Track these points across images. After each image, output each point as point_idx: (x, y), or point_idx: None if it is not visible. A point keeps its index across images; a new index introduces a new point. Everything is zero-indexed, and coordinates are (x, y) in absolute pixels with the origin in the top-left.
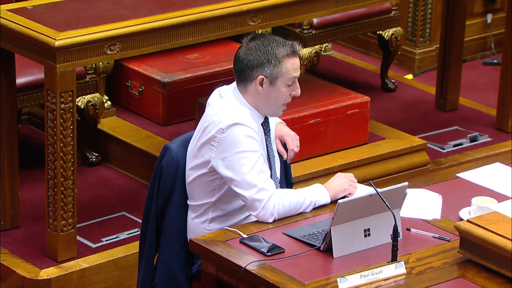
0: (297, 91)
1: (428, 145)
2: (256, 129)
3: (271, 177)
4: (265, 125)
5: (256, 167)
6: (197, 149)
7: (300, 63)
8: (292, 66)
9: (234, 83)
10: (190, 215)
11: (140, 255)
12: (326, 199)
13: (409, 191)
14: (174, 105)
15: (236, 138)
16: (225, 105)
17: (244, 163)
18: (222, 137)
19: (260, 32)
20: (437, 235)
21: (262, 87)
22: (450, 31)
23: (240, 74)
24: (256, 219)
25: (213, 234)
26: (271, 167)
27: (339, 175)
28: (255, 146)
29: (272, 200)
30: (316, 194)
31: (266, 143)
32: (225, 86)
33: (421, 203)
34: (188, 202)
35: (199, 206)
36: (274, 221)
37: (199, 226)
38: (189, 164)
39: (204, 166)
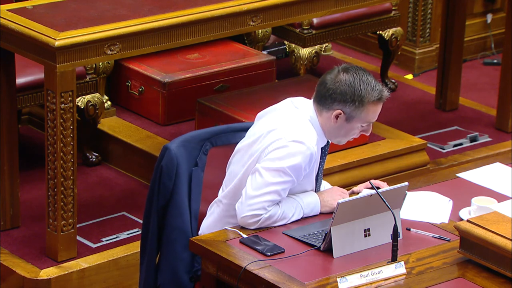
0: (368, 132)
1: (428, 145)
2: (315, 154)
3: None
4: (325, 149)
5: (275, 187)
6: (252, 151)
7: (301, 63)
8: (373, 112)
9: (311, 100)
10: (218, 211)
11: (142, 256)
12: (315, 212)
13: (419, 194)
14: (174, 105)
15: (287, 154)
16: (298, 120)
17: (272, 174)
18: (277, 145)
19: (353, 66)
20: (437, 235)
21: (336, 119)
22: (450, 31)
23: (321, 99)
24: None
25: (213, 234)
26: (317, 189)
27: (335, 189)
28: (294, 173)
29: (259, 216)
30: (306, 206)
31: (320, 167)
32: (299, 98)
33: (431, 207)
34: (222, 199)
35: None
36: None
37: (225, 224)
38: (237, 162)
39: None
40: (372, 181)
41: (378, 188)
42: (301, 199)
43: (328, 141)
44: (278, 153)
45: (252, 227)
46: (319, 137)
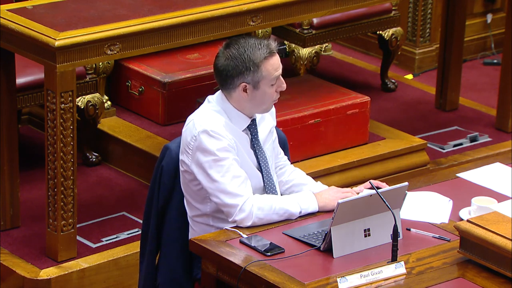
0: (283, 86)
1: (428, 145)
2: (228, 136)
3: (263, 180)
4: (252, 127)
5: (229, 174)
6: (181, 155)
7: (301, 63)
8: (272, 67)
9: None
10: (192, 226)
11: (142, 255)
12: (314, 207)
13: (419, 194)
14: (174, 105)
15: (205, 146)
16: (203, 112)
17: (216, 170)
18: (195, 144)
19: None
20: (437, 235)
21: (246, 93)
22: (450, 31)
23: (222, 83)
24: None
25: (213, 234)
26: (262, 171)
27: (333, 188)
28: (225, 153)
29: (248, 204)
30: (303, 202)
31: (255, 147)
32: (216, 93)
33: (431, 207)
34: (188, 214)
35: (199, 216)
36: (254, 225)
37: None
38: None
39: (186, 173)
40: (372, 181)
41: (378, 188)
42: (296, 195)
43: (253, 120)
44: (200, 152)
45: (249, 223)
46: (237, 120)
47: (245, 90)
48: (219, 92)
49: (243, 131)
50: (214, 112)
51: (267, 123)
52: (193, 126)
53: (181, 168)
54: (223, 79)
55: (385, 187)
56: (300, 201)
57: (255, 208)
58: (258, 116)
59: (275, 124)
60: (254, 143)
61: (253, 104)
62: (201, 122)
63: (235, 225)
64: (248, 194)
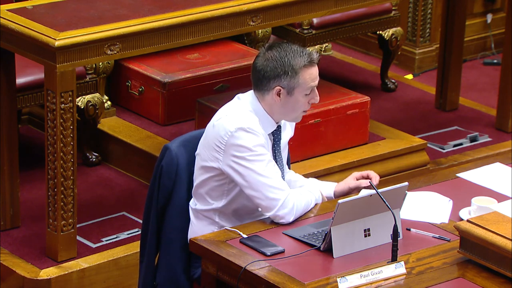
0: (316, 99)
1: (428, 145)
2: (263, 135)
3: None
4: (276, 133)
5: (270, 168)
6: (205, 150)
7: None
8: (309, 77)
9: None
10: (195, 219)
11: (141, 255)
12: (320, 197)
13: (419, 194)
14: (174, 105)
15: (244, 143)
16: (236, 109)
17: (256, 165)
18: (230, 140)
19: (278, 41)
20: (437, 235)
21: (279, 97)
22: (450, 31)
23: (257, 84)
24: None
25: (213, 234)
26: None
27: (353, 175)
28: (263, 149)
29: (290, 199)
30: (314, 191)
31: (275, 152)
32: (247, 92)
33: (431, 207)
34: (192, 206)
35: (206, 211)
36: (293, 220)
37: (208, 229)
38: (197, 165)
39: (211, 169)
40: (359, 172)
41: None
42: (303, 189)
43: (279, 126)
44: (237, 148)
45: (291, 218)
46: (265, 123)
47: (278, 94)
48: (251, 93)
49: (267, 135)
50: (247, 111)
51: (287, 133)
52: (227, 122)
53: (203, 164)
54: (259, 79)
55: (374, 177)
56: (311, 190)
57: (297, 203)
58: (281, 124)
59: (292, 135)
60: (275, 149)
61: (284, 110)
62: (236, 119)
63: (240, 223)
64: (288, 189)
